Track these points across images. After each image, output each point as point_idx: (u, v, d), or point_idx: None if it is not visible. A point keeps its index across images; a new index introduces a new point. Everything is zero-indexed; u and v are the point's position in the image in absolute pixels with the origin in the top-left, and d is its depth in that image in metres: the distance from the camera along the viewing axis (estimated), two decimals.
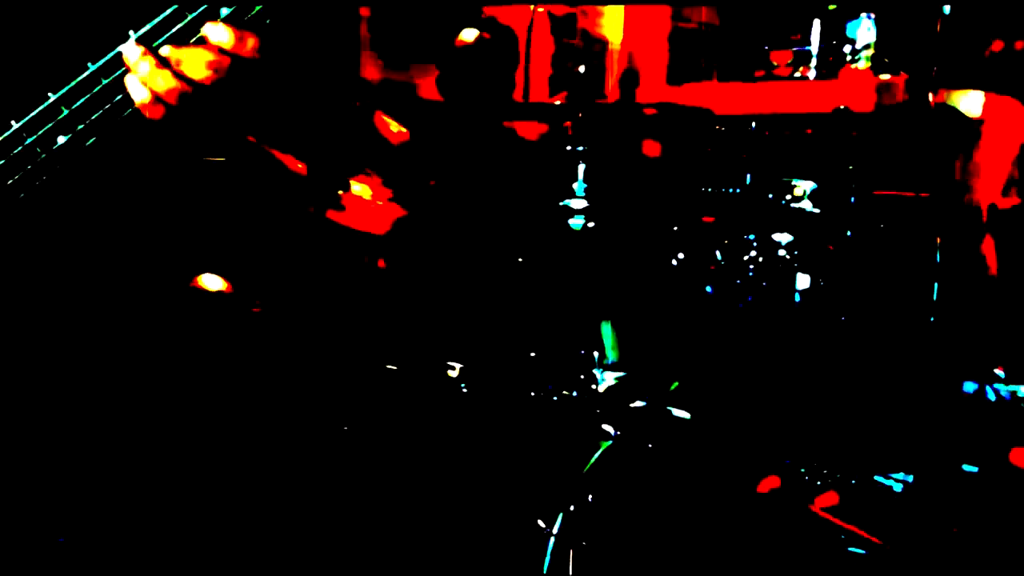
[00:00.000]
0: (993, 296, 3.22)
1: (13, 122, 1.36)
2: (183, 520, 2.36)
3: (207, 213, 2.44)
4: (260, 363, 2.70)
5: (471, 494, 2.50)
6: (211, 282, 2.40)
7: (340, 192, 2.34)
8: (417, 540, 2.51)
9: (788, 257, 3.01)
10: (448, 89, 2.84)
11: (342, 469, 2.62)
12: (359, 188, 2.41)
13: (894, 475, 2.43)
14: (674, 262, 3.04)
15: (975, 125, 3.31)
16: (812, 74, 3.41)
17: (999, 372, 3.00)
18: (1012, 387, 2.93)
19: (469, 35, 2.80)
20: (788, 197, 3.07)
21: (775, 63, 3.57)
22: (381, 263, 2.58)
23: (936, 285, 3.09)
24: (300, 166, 2.21)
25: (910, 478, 2.42)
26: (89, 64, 1.34)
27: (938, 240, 3.16)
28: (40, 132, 1.36)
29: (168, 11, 1.33)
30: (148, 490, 2.28)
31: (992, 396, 2.91)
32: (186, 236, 2.37)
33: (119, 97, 1.34)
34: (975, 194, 3.33)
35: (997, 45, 3.33)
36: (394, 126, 2.67)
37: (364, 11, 3.40)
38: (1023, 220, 3.22)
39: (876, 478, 2.41)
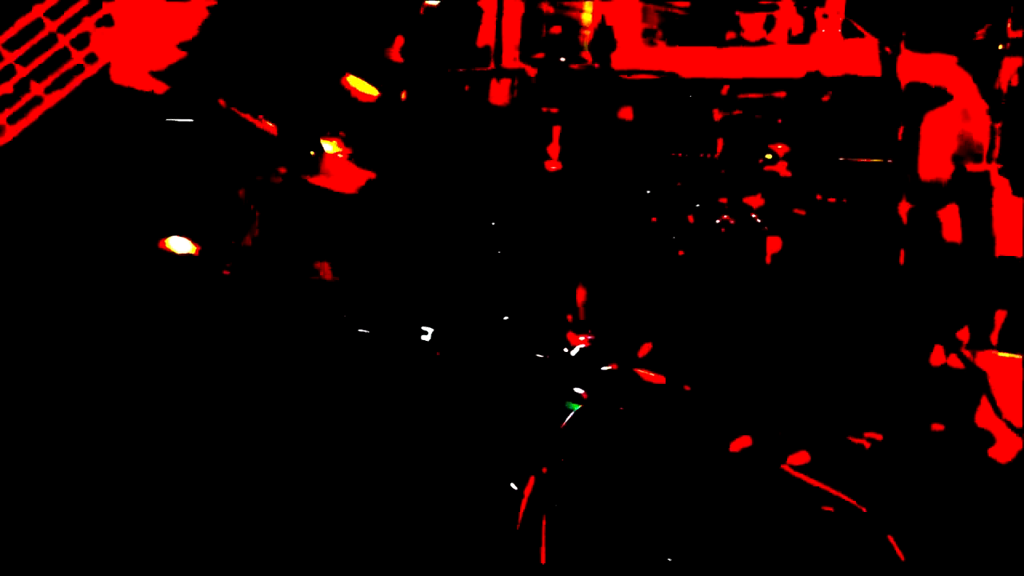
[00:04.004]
0: (957, 261, 3.26)
1: None
2: (158, 478, 2.34)
3: (173, 174, 2.39)
4: (231, 326, 2.67)
5: (444, 457, 2.50)
6: (178, 244, 2.36)
7: (311, 152, 2.31)
8: (390, 500, 2.51)
9: (759, 221, 3.02)
10: (411, 53, 2.81)
11: (316, 433, 2.61)
12: (330, 148, 2.38)
13: (864, 435, 2.46)
14: (646, 226, 3.04)
15: (942, 90, 3.33)
16: (783, 38, 3.41)
17: (962, 336, 3.04)
18: (975, 350, 2.97)
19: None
20: (759, 161, 3.08)
21: (745, 27, 3.56)
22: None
23: (903, 250, 3.11)
24: (270, 126, 2.17)
25: (880, 438, 2.45)
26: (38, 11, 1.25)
27: (905, 205, 3.18)
28: None
29: None
30: (123, 449, 2.26)
31: (957, 360, 2.95)
32: (151, 197, 2.32)
33: (71, 43, 1.25)
34: (942, 159, 3.36)
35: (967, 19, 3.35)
36: (364, 88, 2.63)
37: None
38: (989, 186, 3.25)
39: (847, 438, 2.44)
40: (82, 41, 1.28)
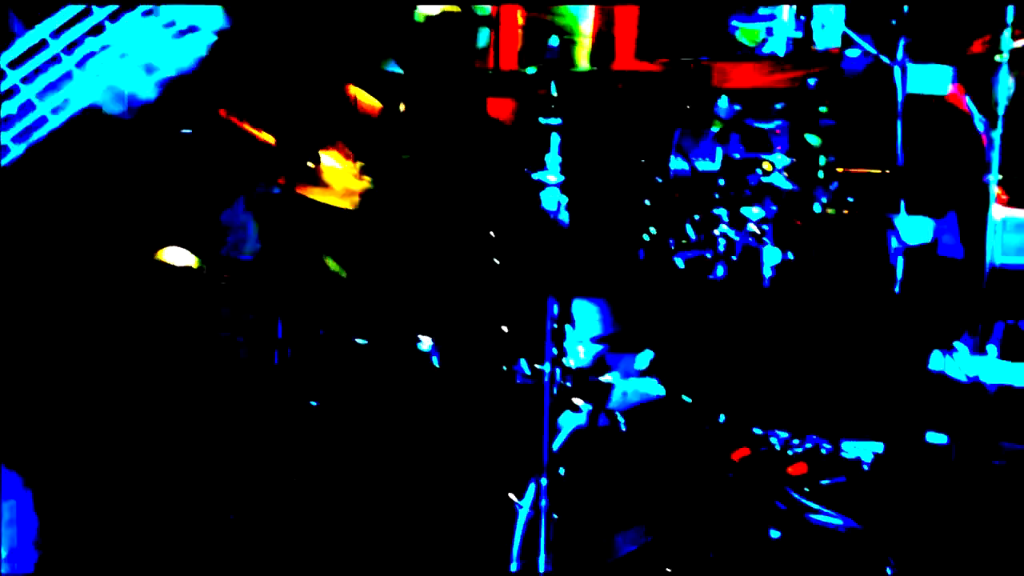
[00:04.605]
0: (955, 271, 3.27)
1: None
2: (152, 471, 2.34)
3: (172, 185, 2.40)
4: (228, 336, 2.68)
5: (443, 468, 2.51)
6: (176, 256, 2.37)
7: (310, 164, 2.32)
8: (390, 512, 2.51)
9: (757, 232, 3.03)
10: (409, 63, 2.82)
11: (313, 443, 2.62)
12: (329, 160, 2.38)
13: (863, 446, 2.47)
14: (645, 237, 3.05)
15: (941, 100, 3.35)
16: (781, 50, 3.42)
17: (960, 346, 3.05)
18: (972, 361, 2.98)
19: (430, 10, 2.78)
20: (758, 172, 3.09)
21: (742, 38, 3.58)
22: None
23: (901, 260, 3.13)
24: (269, 137, 2.17)
25: (879, 448, 2.46)
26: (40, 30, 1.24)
27: (903, 215, 3.20)
28: None
29: None
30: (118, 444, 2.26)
31: (954, 370, 2.95)
32: (150, 208, 2.33)
33: (76, 62, 1.24)
34: (940, 170, 3.37)
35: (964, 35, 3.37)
36: (367, 99, 2.64)
37: None
38: (986, 196, 3.26)
39: (845, 448, 2.45)
40: (85, 61, 1.28)
